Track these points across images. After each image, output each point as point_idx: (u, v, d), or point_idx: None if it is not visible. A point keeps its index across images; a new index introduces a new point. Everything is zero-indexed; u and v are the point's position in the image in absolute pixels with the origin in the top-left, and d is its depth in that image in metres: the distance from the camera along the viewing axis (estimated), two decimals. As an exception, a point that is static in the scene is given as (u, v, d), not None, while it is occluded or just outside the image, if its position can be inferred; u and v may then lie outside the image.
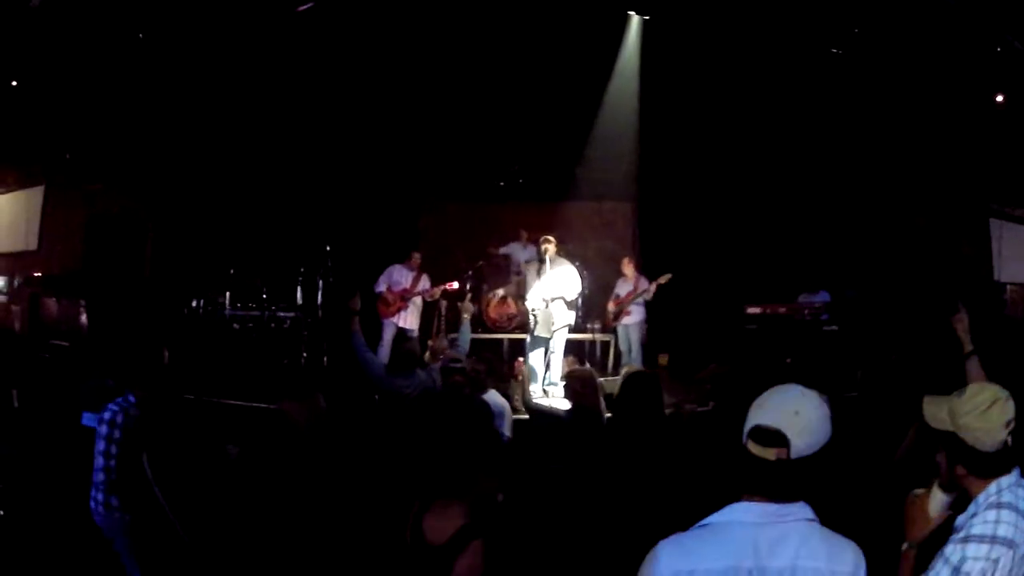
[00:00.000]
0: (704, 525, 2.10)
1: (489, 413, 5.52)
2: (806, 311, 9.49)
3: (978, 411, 2.37)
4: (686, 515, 2.17)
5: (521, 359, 9.27)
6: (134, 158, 10.22)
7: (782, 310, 9.55)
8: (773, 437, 2.06)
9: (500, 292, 11.09)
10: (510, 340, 10.60)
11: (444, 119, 11.38)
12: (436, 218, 12.70)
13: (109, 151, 10.19)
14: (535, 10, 9.87)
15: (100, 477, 4.47)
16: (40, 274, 9.96)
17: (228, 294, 9.48)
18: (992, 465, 2.38)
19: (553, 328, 8.75)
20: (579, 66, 10.90)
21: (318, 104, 10.70)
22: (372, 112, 11.04)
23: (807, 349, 8.86)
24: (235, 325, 9.59)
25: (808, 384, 2.14)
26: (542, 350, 8.86)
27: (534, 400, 7.53)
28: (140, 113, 9.87)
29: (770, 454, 2.05)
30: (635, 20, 10.97)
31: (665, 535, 2.10)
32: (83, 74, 9.11)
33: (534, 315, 8.77)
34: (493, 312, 11.01)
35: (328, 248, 10.21)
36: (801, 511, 2.07)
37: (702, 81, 10.78)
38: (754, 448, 2.07)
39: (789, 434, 2.05)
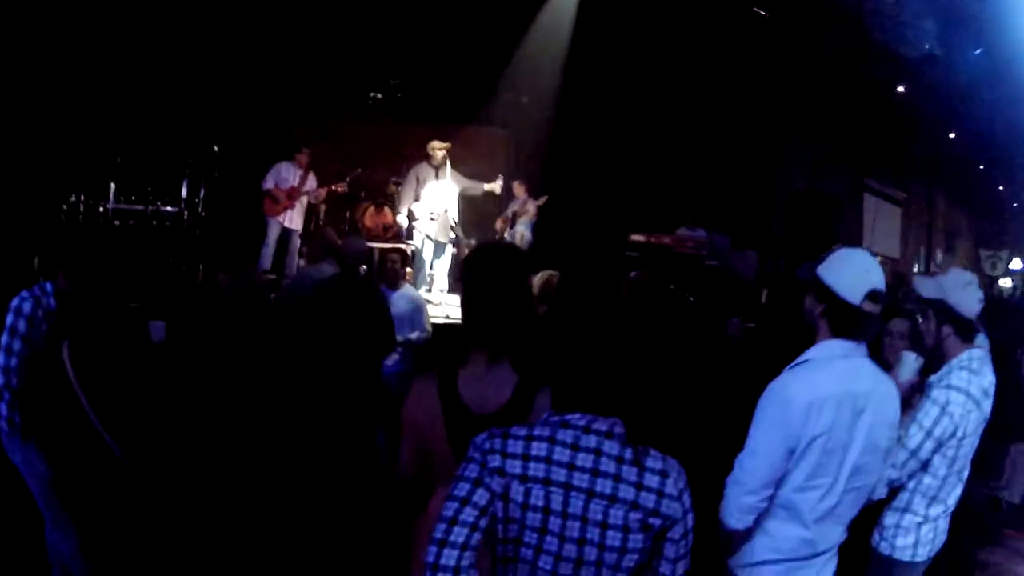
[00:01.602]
0: (806, 361, 2.61)
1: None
2: (689, 243, 9.96)
3: (960, 286, 3.11)
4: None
5: None
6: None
7: (666, 240, 9.98)
8: (881, 296, 2.58)
9: (379, 202, 11.16)
10: (381, 250, 10.17)
11: (324, 29, 11.15)
12: (311, 130, 11.98)
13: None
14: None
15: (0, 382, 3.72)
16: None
17: (113, 186, 9.10)
18: (970, 331, 3.10)
19: (450, 235, 8.98)
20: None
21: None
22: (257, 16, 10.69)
23: (689, 280, 9.14)
24: (116, 222, 9.23)
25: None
26: (444, 255, 9.07)
27: None
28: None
29: (878, 308, 2.58)
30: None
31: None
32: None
33: (433, 218, 8.82)
34: (369, 221, 11.06)
35: (216, 148, 9.95)
36: (864, 349, 2.63)
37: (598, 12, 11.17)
38: (868, 306, 2.55)
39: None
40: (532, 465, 1.91)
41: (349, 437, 4.89)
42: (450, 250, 9.27)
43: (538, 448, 1.92)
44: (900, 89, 12.25)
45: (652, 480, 1.90)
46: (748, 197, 12.15)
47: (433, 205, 8.87)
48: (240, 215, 10.00)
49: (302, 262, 9.75)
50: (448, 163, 8.90)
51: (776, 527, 2.57)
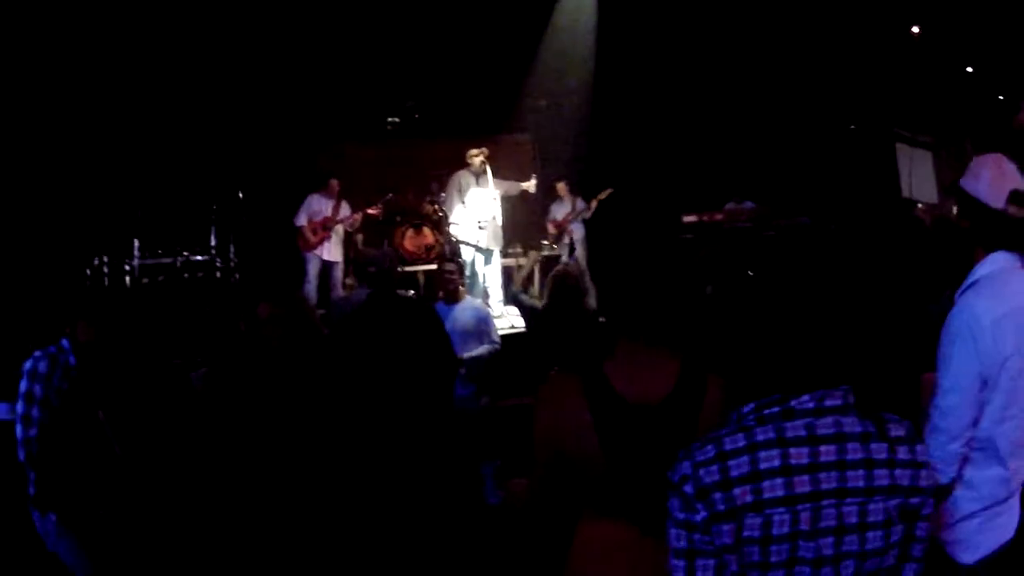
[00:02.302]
0: (975, 281, 2.40)
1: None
2: (743, 216, 9.45)
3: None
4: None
5: None
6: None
7: (719, 216, 9.47)
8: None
9: (416, 223, 10.67)
10: (425, 273, 10.04)
11: (338, 56, 10.81)
12: (333, 162, 11.44)
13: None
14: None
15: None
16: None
17: (137, 242, 8.57)
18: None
19: (501, 241, 8.54)
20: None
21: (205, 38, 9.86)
22: (266, 52, 10.30)
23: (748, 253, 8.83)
24: (144, 280, 8.71)
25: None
26: (494, 263, 8.59)
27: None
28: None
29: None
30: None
31: None
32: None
33: (482, 227, 8.34)
34: (409, 244, 10.47)
35: (240, 195, 9.48)
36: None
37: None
38: (1014, 210, 2.38)
39: None
40: (767, 484, 1.42)
41: (426, 474, 4.33)
42: (499, 258, 8.77)
43: (768, 458, 1.43)
44: (914, 29, 11.72)
45: (903, 451, 1.49)
46: (783, 164, 11.60)
47: (479, 213, 8.39)
48: (275, 256, 9.47)
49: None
50: (488, 169, 8.43)
51: (974, 473, 2.38)
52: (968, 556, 2.39)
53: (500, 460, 5.73)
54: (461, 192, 8.44)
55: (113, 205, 8.93)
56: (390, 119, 12.10)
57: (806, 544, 1.41)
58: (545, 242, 11.02)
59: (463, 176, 8.51)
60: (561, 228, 10.43)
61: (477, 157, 8.38)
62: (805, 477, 1.42)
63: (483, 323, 5.79)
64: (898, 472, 1.46)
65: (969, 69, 12.91)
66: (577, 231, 10.41)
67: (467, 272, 8.59)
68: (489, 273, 8.59)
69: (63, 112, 8.87)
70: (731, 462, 1.42)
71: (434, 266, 9.56)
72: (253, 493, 3.11)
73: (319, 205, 9.26)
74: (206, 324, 8.33)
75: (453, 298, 5.77)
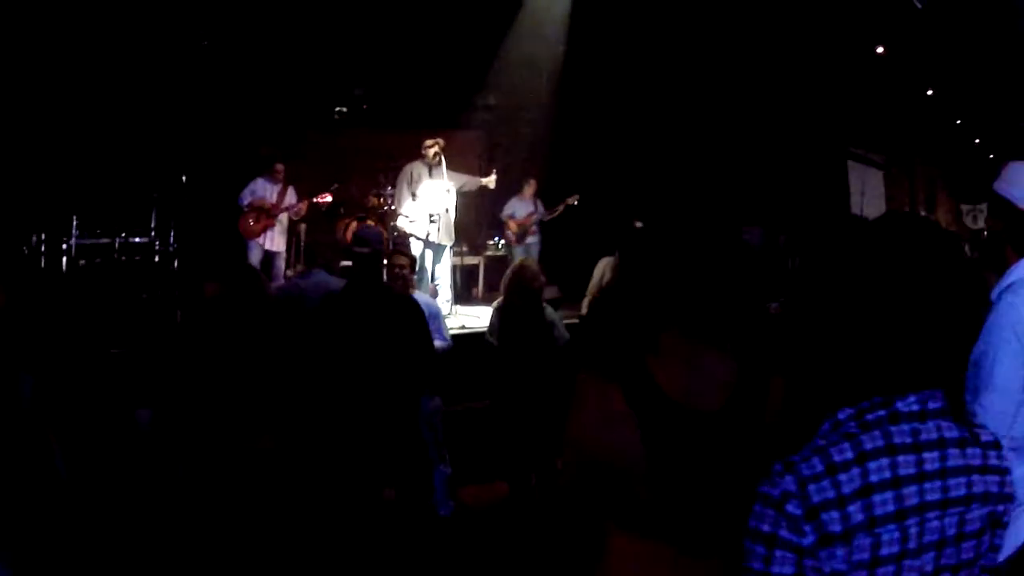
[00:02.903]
0: (1017, 280, 2.38)
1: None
2: None
3: None
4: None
5: None
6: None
7: None
8: None
9: (360, 216, 10.46)
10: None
11: (289, 41, 10.44)
12: (278, 150, 10.96)
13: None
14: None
15: None
16: None
17: (75, 219, 8.23)
18: None
19: (453, 236, 8.35)
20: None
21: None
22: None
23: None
24: (81, 261, 8.38)
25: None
26: (444, 259, 8.39)
27: None
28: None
29: None
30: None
31: None
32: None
33: (433, 220, 8.10)
34: (351, 237, 10.33)
35: (184, 179, 9.17)
36: None
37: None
38: None
39: None
40: (878, 499, 1.26)
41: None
42: (449, 254, 8.58)
43: (879, 469, 1.27)
44: (879, 50, 11.95)
45: (993, 457, 1.36)
46: (742, 176, 11.76)
47: (431, 206, 8.17)
48: (217, 242, 9.17)
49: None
50: (443, 161, 8.20)
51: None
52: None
53: (451, 468, 5.60)
54: (412, 183, 8.22)
55: (52, 178, 8.57)
56: (338, 108, 11.80)
57: (911, 563, 1.28)
58: (491, 242, 10.94)
59: (415, 167, 8.28)
60: (524, 227, 10.42)
61: (432, 148, 8.14)
62: (913, 488, 1.28)
63: (433, 319, 5.47)
64: (989, 478, 1.35)
65: (929, 92, 13.26)
66: (534, 232, 10.50)
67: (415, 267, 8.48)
68: (439, 270, 8.39)
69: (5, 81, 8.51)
70: (842, 476, 1.26)
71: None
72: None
73: (264, 190, 9.00)
74: (142, 310, 8.08)
75: (402, 293, 5.57)
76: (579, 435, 1.80)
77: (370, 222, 9.89)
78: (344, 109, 11.80)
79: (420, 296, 5.83)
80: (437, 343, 5.38)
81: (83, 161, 8.92)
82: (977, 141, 16.65)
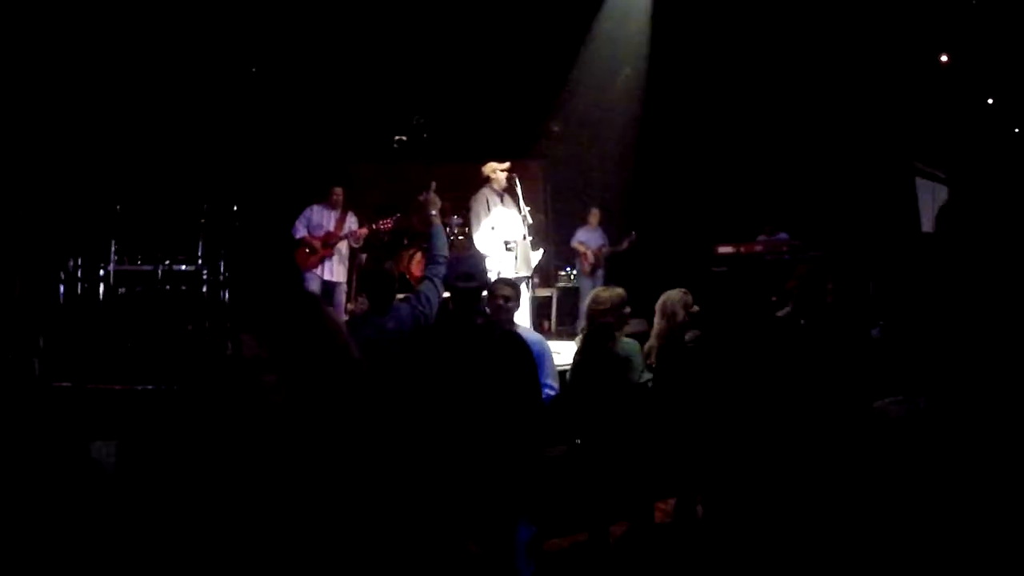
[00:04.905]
0: None
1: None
2: (784, 248, 8.63)
3: None
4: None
5: None
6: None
7: (758, 248, 8.64)
8: None
9: (426, 246, 9.79)
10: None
11: (348, 69, 10.23)
12: (334, 181, 10.86)
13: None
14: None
15: None
16: None
17: (114, 244, 7.56)
18: None
19: (531, 265, 7.45)
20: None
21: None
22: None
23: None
24: (120, 289, 7.69)
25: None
26: (524, 293, 7.63)
27: None
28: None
29: None
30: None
31: None
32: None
33: (509, 248, 7.30)
34: (417, 269, 9.51)
35: (235, 207, 8.52)
36: None
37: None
38: None
39: None
40: None
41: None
42: (529, 285, 7.77)
43: None
44: (943, 59, 11.26)
45: None
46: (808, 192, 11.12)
47: (506, 234, 7.37)
48: (270, 273, 8.52)
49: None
50: (518, 186, 7.42)
51: None
52: None
53: (536, 526, 4.65)
54: (488, 212, 7.45)
55: (91, 199, 8.04)
56: (397, 137, 11.27)
57: None
58: (562, 272, 10.38)
59: (488, 194, 7.52)
60: (598, 258, 10.22)
61: (502, 172, 7.42)
62: None
63: (541, 361, 4.60)
64: None
65: (990, 101, 12.54)
66: (602, 264, 10.28)
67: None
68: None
69: (47, 98, 8.06)
70: None
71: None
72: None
73: (320, 218, 8.38)
74: (186, 344, 7.35)
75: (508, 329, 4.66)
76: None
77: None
78: (404, 138, 11.26)
79: (527, 333, 4.90)
80: (546, 390, 4.56)
81: (123, 186, 8.36)
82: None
